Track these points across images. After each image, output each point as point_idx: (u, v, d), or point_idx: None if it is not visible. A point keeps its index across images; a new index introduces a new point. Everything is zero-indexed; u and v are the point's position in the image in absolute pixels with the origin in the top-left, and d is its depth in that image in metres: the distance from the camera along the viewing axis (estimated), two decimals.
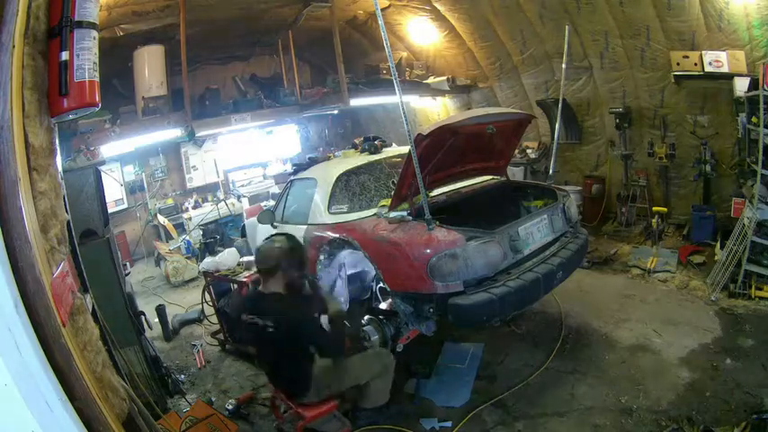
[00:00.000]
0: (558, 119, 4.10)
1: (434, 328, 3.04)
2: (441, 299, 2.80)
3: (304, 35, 7.62)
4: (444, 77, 7.45)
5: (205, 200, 8.56)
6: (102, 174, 3.82)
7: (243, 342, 3.84)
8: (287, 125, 9.96)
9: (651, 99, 5.42)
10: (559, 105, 4.19)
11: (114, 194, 7.59)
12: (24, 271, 1.07)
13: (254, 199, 7.80)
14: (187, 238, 7.43)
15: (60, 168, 1.64)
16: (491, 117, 3.42)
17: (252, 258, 4.26)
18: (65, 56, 1.38)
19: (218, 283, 4.24)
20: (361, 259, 3.31)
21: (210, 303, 4.42)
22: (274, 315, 2.52)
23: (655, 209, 5.24)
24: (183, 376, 3.91)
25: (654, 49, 5.06)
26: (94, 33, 1.50)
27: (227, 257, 4.30)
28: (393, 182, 3.62)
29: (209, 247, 6.63)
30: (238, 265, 4.18)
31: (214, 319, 4.49)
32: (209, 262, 4.32)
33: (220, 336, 4.32)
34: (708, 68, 4.56)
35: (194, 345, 4.26)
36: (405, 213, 3.01)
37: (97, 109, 1.56)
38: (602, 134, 6.19)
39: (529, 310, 3.90)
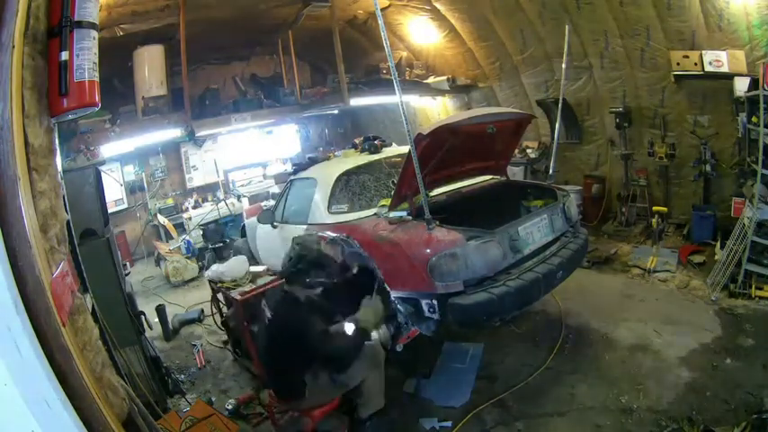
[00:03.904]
0: (558, 119, 4.10)
1: (434, 328, 3.04)
2: (441, 299, 2.80)
3: (304, 35, 7.62)
4: (444, 77, 7.46)
5: (205, 200, 8.56)
6: (102, 174, 3.81)
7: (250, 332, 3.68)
8: (287, 125, 9.96)
9: (651, 99, 5.42)
10: (559, 105, 4.19)
11: (114, 194, 7.59)
12: (24, 271, 1.06)
13: (254, 199, 7.79)
14: (187, 237, 7.42)
15: (60, 168, 1.64)
16: (491, 117, 3.42)
17: (260, 269, 4.05)
18: (64, 56, 1.38)
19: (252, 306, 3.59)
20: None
21: (215, 311, 4.36)
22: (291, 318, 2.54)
23: (655, 208, 5.24)
24: (183, 376, 3.91)
25: (654, 49, 5.06)
26: (94, 33, 1.50)
27: (232, 266, 3.98)
28: (393, 182, 3.62)
29: (217, 253, 6.47)
30: (246, 274, 3.86)
31: (214, 318, 4.48)
32: (214, 270, 4.03)
33: (229, 347, 4.25)
34: (708, 68, 4.56)
35: (194, 345, 4.25)
36: (405, 213, 3.01)
37: (97, 109, 1.56)
38: (602, 134, 6.18)
39: (529, 310, 3.89)
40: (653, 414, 2.73)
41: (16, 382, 0.96)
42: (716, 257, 4.43)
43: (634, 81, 5.48)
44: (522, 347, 3.64)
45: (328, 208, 3.64)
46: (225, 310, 4.24)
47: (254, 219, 4.74)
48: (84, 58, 1.44)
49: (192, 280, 6.53)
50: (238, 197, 8.26)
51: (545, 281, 2.94)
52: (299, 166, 4.65)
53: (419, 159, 2.71)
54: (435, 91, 7.70)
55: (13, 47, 1.15)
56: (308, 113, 7.78)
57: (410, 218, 2.98)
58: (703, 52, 4.56)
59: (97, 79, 1.52)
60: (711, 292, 4.05)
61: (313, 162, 4.58)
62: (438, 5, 6.66)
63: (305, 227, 3.79)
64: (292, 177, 4.51)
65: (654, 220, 5.10)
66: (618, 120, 5.63)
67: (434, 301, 2.85)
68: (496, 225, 3.03)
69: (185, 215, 7.99)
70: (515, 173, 6.27)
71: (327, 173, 3.91)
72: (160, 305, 4.84)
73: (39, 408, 1.00)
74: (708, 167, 4.97)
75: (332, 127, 10.78)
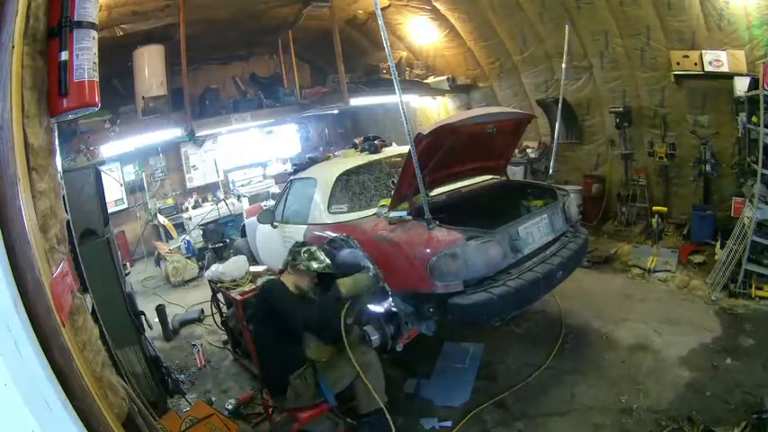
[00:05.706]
0: (558, 118, 4.10)
1: (434, 328, 3.04)
2: (441, 298, 2.80)
3: (304, 35, 7.62)
4: (444, 77, 7.46)
5: (205, 199, 8.57)
6: (102, 174, 3.81)
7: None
8: (287, 125, 9.96)
9: (651, 99, 5.41)
10: (559, 105, 4.19)
11: (114, 194, 7.60)
12: (24, 271, 1.06)
13: (254, 199, 7.79)
14: (187, 237, 7.43)
15: (60, 168, 1.64)
16: (491, 117, 3.42)
17: (260, 269, 4.01)
18: (64, 56, 1.38)
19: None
20: (361, 259, 3.30)
21: (215, 311, 4.35)
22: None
23: (655, 208, 5.24)
24: (183, 376, 3.92)
25: (654, 49, 5.06)
26: (94, 33, 1.50)
27: (232, 266, 3.93)
28: (393, 182, 3.62)
29: (217, 253, 6.49)
30: (246, 274, 3.83)
31: (214, 318, 4.48)
32: (214, 270, 3.98)
33: (229, 347, 4.24)
34: (708, 68, 4.56)
35: (194, 345, 4.25)
36: (404, 213, 3.01)
37: (97, 109, 1.56)
38: (602, 134, 6.18)
39: (529, 309, 3.89)
40: (653, 414, 2.73)
41: (16, 382, 0.96)
42: (716, 257, 4.43)
43: (634, 81, 5.47)
44: (522, 347, 3.64)
45: (328, 208, 3.63)
46: (225, 310, 4.24)
47: (254, 219, 4.73)
48: (84, 58, 1.44)
49: (192, 280, 6.54)
50: (238, 197, 8.27)
51: (545, 281, 2.94)
52: (299, 166, 4.65)
53: (419, 159, 2.70)
54: (435, 91, 7.70)
55: (13, 47, 1.15)
56: (308, 113, 7.79)
57: (410, 218, 2.98)
58: (703, 52, 4.56)
59: (97, 79, 1.52)
60: (711, 292, 4.05)
61: (313, 162, 4.58)
62: (438, 5, 6.66)
63: (305, 227, 3.79)
64: (292, 177, 4.51)
65: (654, 220, 5.10)
66: (618, 120, 5.63)
67: (434, 301, 2.85)
68: (496, 225, 3.03)
69: (185, 215, 8.00)
70: (515, 173, 6.27)
71: (327, 173, 3.91)
72: (160, 305, 4.85)
73: (39, 408, 1.00)
74: (708, 167, 4.97)
75: (332, 127, 10.78)
